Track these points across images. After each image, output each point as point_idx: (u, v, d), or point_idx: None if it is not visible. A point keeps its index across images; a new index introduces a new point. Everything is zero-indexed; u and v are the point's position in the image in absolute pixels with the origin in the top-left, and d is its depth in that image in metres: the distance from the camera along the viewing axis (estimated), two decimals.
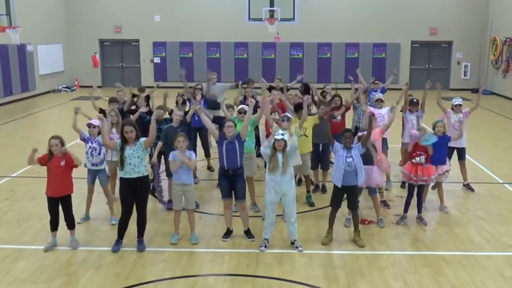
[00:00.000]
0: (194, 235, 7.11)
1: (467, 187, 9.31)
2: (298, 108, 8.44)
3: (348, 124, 9.72)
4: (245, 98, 10.36)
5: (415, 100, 9.21)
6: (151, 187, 8.64)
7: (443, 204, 8.33)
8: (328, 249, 6.92)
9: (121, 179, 6.69)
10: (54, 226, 6.86)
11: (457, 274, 6.21)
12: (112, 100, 9.45)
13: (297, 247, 6.82)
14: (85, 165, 7.69)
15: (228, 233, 7.19)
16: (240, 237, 7.18)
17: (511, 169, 10.67)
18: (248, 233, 7.17)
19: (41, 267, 6.35)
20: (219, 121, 8.48)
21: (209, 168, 10.37)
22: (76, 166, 6.75)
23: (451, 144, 8.60)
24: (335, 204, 7.07)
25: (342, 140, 6.94)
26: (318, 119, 8.29)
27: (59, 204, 6.80)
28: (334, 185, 7.00)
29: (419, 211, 7.80)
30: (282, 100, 9.39)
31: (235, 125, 7.05)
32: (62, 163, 6.65)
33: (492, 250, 6.92)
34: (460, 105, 9.01)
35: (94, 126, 7.63)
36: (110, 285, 5.94)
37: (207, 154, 10.35)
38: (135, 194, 6.68)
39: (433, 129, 8.00)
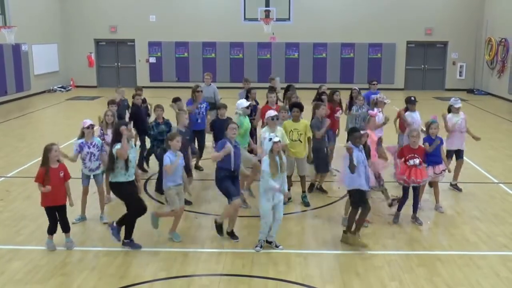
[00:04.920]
0: (175, 233, 7.18)
1: (454, 187, 9.29)
2: (293, 107, 8.46)
3: (343, 124, 9.78)
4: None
5: (412, 99, 9.22)
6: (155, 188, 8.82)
7: (439, 203, 8.34)
8: (324, 249, 6.93)
9: (124, 183, 6.69)
10: (53, 230, 6.83)
11: (452, 274, 6.23)
12: (110, 102, 9.53)
13: (277, 246, 6.85)
14: (82, 171, 7.67)
15: (233, 234, 7.20)
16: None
17: (506, 169, 10.71)
18: (232, 234, 7.17)
19: (36, 267, 6.33)
20: (218, 124, 8.46)
21: (198, 167, 10.38)
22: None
23: (454, 147, 8.70)
24: (360, 204, 6.88)
25: (351, 140, 6.86)
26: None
27: (56, 211, 6.77)
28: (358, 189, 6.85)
29: (415, 211, 7.81)
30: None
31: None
32: (61, 174, 6.66)
33: (487, 250, 6.95)
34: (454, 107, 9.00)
35: (88, 128, 7.56)
36: (105, 286, 5.92)
37: (199, 155, 10.36)
38: None
39: (427, 130, 8.02)
